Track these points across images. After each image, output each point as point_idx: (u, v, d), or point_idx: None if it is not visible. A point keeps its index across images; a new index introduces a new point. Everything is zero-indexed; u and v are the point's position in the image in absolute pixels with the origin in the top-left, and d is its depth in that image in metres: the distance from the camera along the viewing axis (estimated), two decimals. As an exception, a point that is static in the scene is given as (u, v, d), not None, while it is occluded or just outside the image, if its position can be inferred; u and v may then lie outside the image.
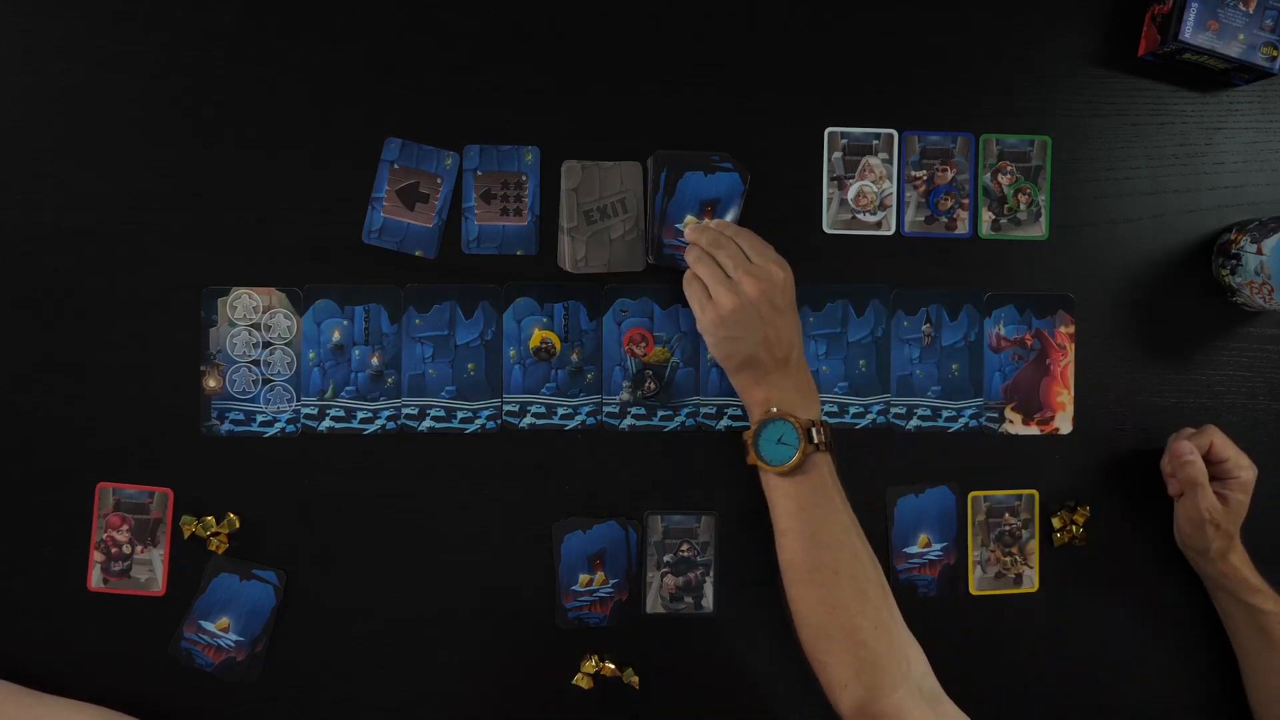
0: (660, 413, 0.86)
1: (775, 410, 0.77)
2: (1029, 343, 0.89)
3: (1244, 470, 0.84)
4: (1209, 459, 0.84)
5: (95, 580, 0.83)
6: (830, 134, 0.87)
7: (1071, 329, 0.89)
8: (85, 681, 0.81)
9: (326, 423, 0.84)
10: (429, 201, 0.84)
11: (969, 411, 0.89)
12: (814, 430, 0.76)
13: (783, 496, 0.77)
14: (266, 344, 0.84)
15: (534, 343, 0.85)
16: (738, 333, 0.76)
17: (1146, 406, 0.90)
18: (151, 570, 0.83)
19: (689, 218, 0.84)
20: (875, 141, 0.87)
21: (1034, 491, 0.89)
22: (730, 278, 0.77)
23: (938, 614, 0.88)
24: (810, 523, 0.76)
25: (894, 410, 0.88)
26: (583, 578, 0.86)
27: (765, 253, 0.78)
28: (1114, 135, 0.89)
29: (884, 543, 0.87)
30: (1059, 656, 0.90)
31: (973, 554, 0.89)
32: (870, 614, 0.74)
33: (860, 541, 0.77)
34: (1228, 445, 0.84)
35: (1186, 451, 0.83)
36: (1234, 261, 0.86)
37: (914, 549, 0.88)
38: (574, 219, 0.84)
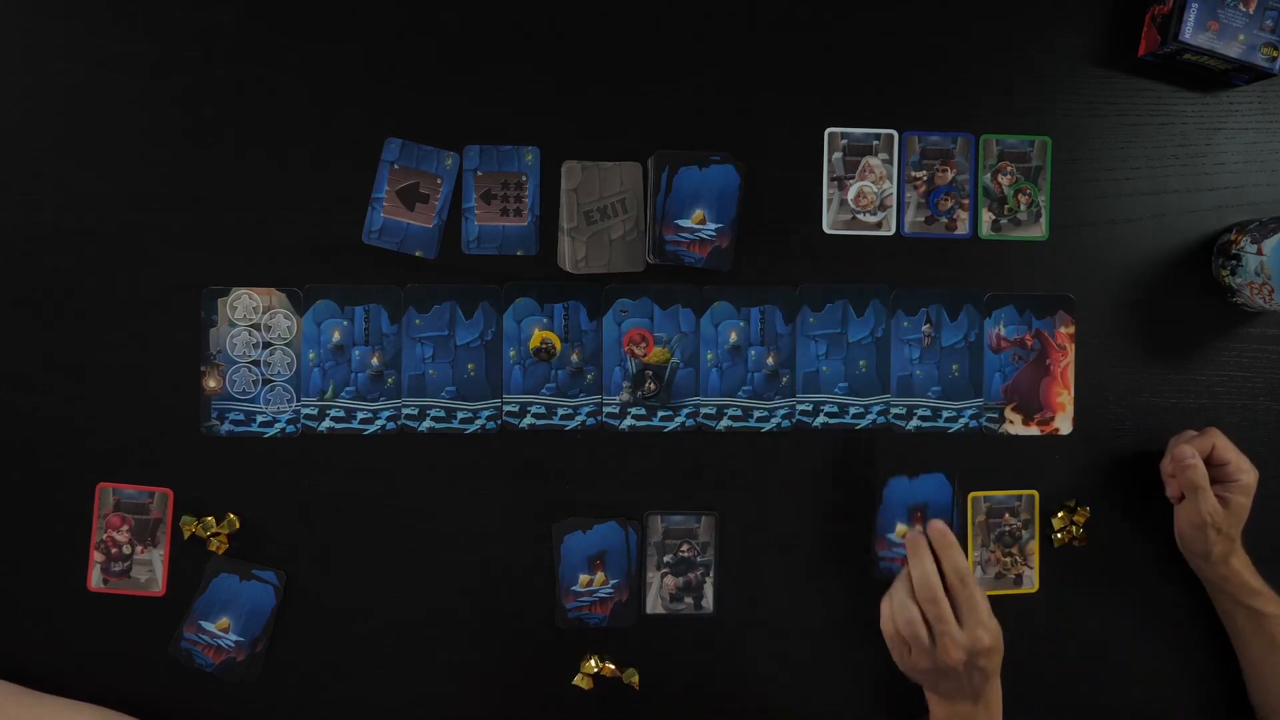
0: (660, 413, 0.86)
1: None
2: (1029, 343, 0.89)
3: (1245, 473, 0.83)
4: (1210, 462, 0.84)
5: (95, 580, 0.83)
6: (830, 134, 0.87)
7: (1071, 329, 0.89)
8: (85, 681, 0.82)
9: (326, 423, 0.84)
10: (429, 202, 0.84)
11: (969, 412, 0.89)
12: None
13: None
14: (266, 344, 0.84)
15: (534, 343, 0.85)
16: (930, 680, 0.77)
17: (1146, 407, 0.90)
18: (151, 570, 0.83)
19: (900, 525, 0.86)
20: (875, 142, 0.87)
21: (1034, 492, 0.89)
22: (931, 635, 0.75)
23: (938, 614, 0.88)
24: None
25: (894, 411, 0.88)
26: (583, 578, 0.86)
27: (975, 614, 0.75)
28: (1114, 135, 0.89)
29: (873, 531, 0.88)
30: (1059, 656, 0.90)
31: (973, 554, 0.88)
32: None
33: None
34: (1229, 448, 0.84)
35: (1188, 455, 0.83)
36: (1234, 262, 0.86)
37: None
38: (574, 219, 0.84)
